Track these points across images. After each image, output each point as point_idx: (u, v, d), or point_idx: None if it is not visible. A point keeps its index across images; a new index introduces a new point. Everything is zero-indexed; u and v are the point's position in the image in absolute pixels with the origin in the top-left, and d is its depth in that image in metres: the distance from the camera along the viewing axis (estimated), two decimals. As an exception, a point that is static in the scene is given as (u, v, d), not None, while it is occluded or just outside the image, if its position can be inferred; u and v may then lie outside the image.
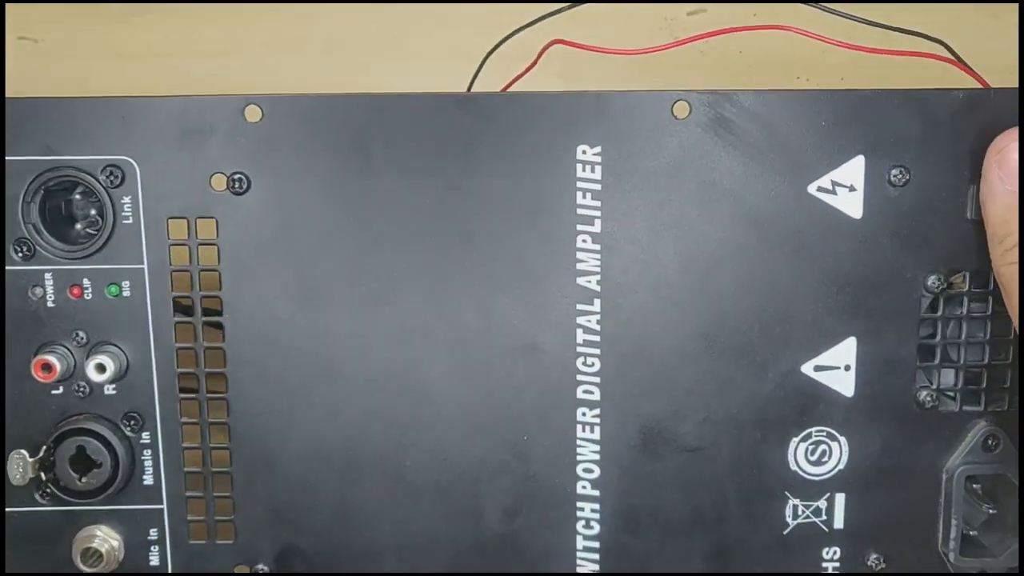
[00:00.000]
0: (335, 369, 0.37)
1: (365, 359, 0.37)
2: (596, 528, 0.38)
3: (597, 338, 0.37)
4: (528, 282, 0.37)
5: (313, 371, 0.37)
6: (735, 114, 0.36)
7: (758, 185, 0.36)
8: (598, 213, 0.36)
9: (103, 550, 0.37)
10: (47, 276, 0.36)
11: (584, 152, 0.36)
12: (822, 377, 0.37)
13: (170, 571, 0.38)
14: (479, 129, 0.36)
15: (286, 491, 0.38)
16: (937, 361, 0.37)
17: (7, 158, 0.35)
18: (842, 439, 0.38)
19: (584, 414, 0.38)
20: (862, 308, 0.37)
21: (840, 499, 0.38)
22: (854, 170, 0.36)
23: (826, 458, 0.38)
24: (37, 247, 0.36)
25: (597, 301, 0.37)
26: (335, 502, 0.38)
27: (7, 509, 0.38)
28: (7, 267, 0.36)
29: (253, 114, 0.35)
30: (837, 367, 0.37)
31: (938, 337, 0.37)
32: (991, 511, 0.38)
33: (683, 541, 0.38)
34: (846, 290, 0.37)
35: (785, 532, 0.39)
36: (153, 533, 0.38)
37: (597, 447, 0.38)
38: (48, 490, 0.37)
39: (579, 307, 0.37)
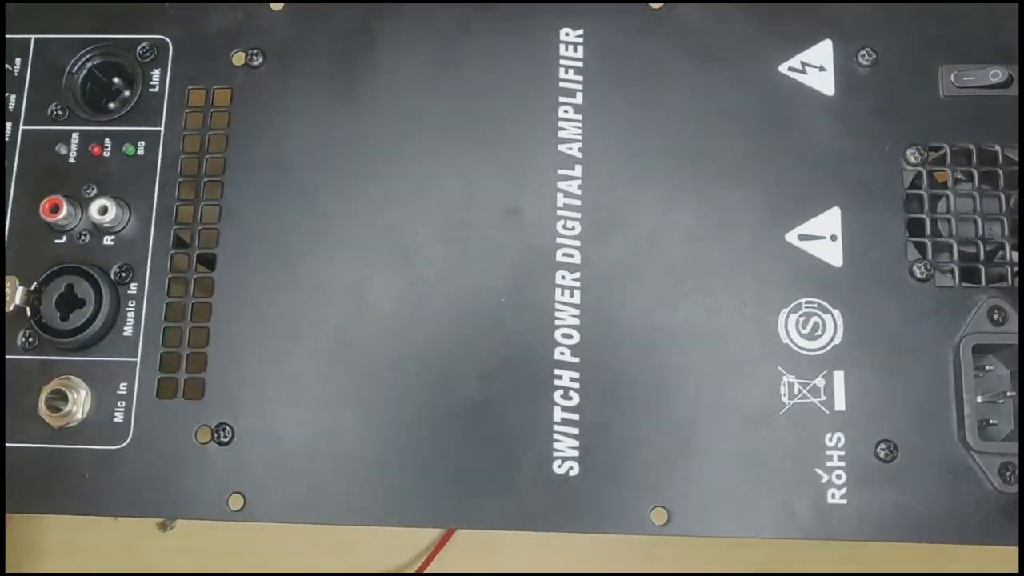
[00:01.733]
0: (322, 230, 0.38)
1: (352, 222, 0.38)
2: (575, 399, 0.36)
3: (578, 202, 0.38)
4: (511, 148, 0.38)
5: (301, 230, 0.38)
6: (705, 5, 0.39)
7: (731, 65, 0.38)
8: (580, 86, 0.39)
9: (69, 395, 0.37)
10: (74, 135, 0.40)
11: (567, 34, 0.39)
12: (808, 246, 0.37)
13: (132, 429, 0.37)
14: (471, 12, 0.39)
15: (262, 354, 0.37)
16: (928, 234, 0.37)
17: (67, 36, 0.40)
18: (835, 312, 0.36)
19: (564, 277, 0.37)
20: (843, 180, 0.37)
21: (839, 378, 0.36)
22: (822, 52, 0.38)
23: (819, 332, 0.36)
24: (71, 110, 0.40)
25: (578, 167, 0.38)
26: (310, 369, 0.37)
27: (-13, 352, 0.38)
28: (39, 126, 0.40)
29: (277, 5, 0.40)
30: (823, 236, 0.37)
31: (925, 210, 0.37)
32: (1009, 394, 0.35)
33: (662, 414, 0.36)
34: (825, 162, 0.37)
35: (782, 412, 0.36)
36: (123, 388, 0.37)
37: (577, 311, 0.37)
38: (30, 333, 0.38)
39: (560, 172, 0.38)
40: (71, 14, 0.41)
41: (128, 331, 0.38)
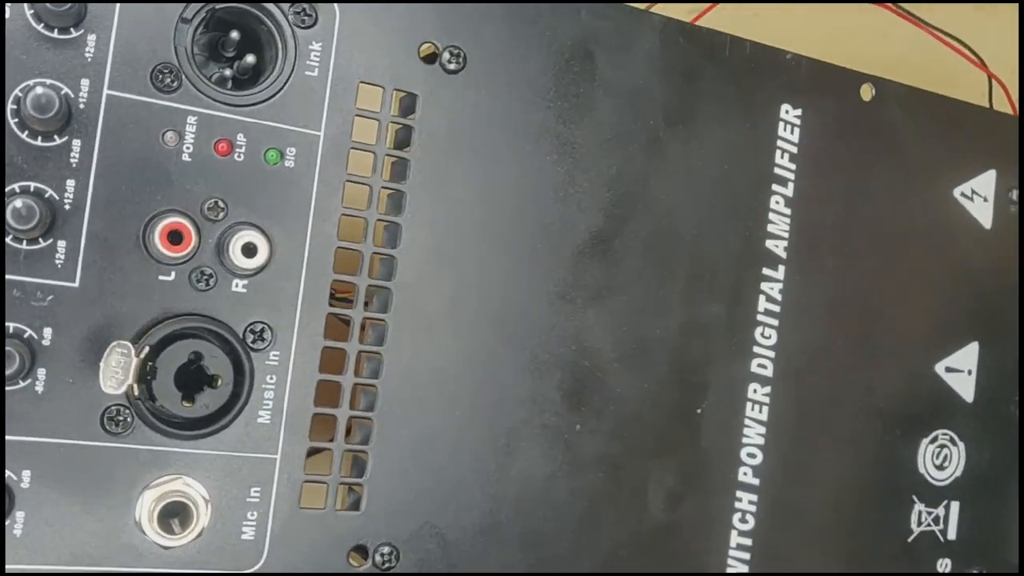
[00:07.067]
0: (512, 294, 0.31)
1: (542, 304, 0.31)
2: (751, 523, 0.34)
3: (778, 308, 0.35)
4: (716, 237, 0.34)
5: (491, 296, 0.31)
6: (907, 107, 0.37)
7: (916, 177, 0.37)
8: (792, 175, 0.35)
9: (191, 507, 0.26)
10: (190, 119, 0.27)
11: (787, 111, 0.35)
12: (950, 379, 0.38)
13: (266, 549, 0.28)
14: (699, 62, 0.33)
15: (437, 456, 0.30)
16: (1030, 375, 0.40)
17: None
18: (961, 444, 0.38)
19: (755, 391, 0.34)
20: (985, 314, 0.39)
21: (955, 508, 0.38)
22: (987, 182, 0.39)
23: (947, 463, 0.38)
24: (185, 78, 0.27)
25: (782, 268, 0.35)
26: (488, 475, 0.31)
27: (59, 440, 0.26)
28: (134, 95, 0.26)
29: None
30: (963, 371, 0.38)
31: (1033, 351, 0.40)
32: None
33: (825, 543, 0.36)
34: (975, 294, 0.38)
35: (910, 539, 0.37)
36: (255, 494, 0.28)
37: (763, 429, 0.35)
38: (128, 415, 0.26)
39: (764, 271, 0.35)
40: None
41: (265, 417, 0.28)
